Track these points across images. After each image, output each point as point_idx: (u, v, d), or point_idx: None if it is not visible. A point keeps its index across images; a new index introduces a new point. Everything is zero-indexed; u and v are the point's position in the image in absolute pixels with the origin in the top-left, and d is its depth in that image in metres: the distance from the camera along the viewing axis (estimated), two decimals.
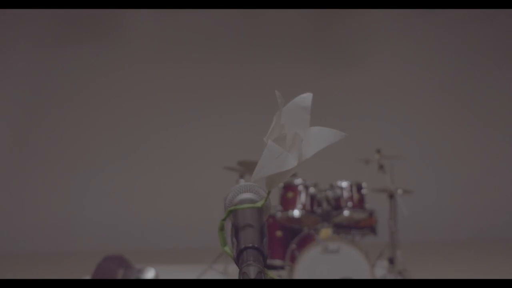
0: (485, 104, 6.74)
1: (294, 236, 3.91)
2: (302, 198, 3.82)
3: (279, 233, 4.12)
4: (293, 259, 3.68)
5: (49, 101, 6.45)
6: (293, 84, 6.38)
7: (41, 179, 6.34)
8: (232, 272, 4.51)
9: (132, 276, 3.85)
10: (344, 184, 3.83)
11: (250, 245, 0.90)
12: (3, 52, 6.48)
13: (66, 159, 6.47)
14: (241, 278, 0.87)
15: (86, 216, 6.34)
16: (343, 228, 4.03)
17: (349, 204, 3.78)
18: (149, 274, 3.87)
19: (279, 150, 0.91)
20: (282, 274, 4.39)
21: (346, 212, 3.77)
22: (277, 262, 4.09)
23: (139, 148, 6.40)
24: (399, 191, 3.77)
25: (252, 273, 0.86)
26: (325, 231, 3.59)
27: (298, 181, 3.87)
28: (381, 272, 4.16)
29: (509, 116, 6.77)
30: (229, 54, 6.59)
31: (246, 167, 3.87)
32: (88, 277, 4.08)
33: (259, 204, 0.95)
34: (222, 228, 0.95)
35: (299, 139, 0.93)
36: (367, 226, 4.10)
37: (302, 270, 3.46)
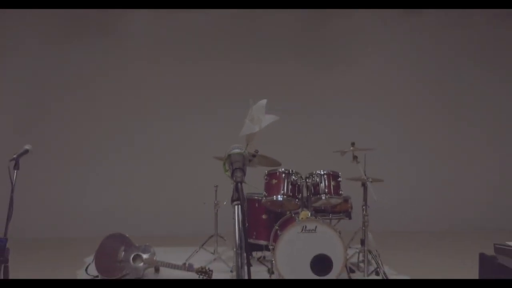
0: (461, 102, 7.29)
1: (278, 219, 4.39)
2: (285, 185, 4.30)
3: (264, 216, 4.60)
4: (276, 239, 4.13)
5: (53, 95, 6.84)
6: (283, 82, 6.92)
7: (47, 169, 6.73)
8: (221, 252, 4.97)
9: (132, 252, 4.31)
10: (322, 172, 4.31)
11: (238, 167, 1.88)
12: (11, 49, 6.88)
13: (69, 150, 6.87)
14: (234, 180, 1.72)
15: (88, 204, 6.75)
16: (321, 212, 4.52)
17: (326, 190, 4.26)
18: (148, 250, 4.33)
19: (250, 124, 1.73)
20: (267, 254, 4.88)
21: (323, 197, 4.25)
22: (262, 242, 4.58)
23: (139, 141, 6.85)
24: (370, 180, 4.25)
25: (239, 175, 1.81)
26: (304, 213, 4.06)
27: (281, 169, 4.34)
28: (353, 251, 4.68)
29: (483, 112, 7.34)
30: (224, 54, 7.02)
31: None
32: (91, 257, 4.53)
33: (242, 152, 1.96)
34: (224, 164, 1.98)
35: (259, 120, 1.81)
36: (343, 210, 4.60)
37: (284, 247, 3.93)
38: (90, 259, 4.64)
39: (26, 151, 2.68)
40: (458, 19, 7.29)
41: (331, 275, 3.90)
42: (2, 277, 2.35)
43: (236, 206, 1.71)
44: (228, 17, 7.05)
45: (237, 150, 1.93)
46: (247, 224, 4.63)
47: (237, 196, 1.72)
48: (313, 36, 7.19)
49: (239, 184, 1.74)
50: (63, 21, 6.92)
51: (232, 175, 1.83)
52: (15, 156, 2.58)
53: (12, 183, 2.40)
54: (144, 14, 6.99)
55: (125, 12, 6.93)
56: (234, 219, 1.72)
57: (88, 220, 6.62)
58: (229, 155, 1.90)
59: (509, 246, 2.39)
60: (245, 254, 1.67)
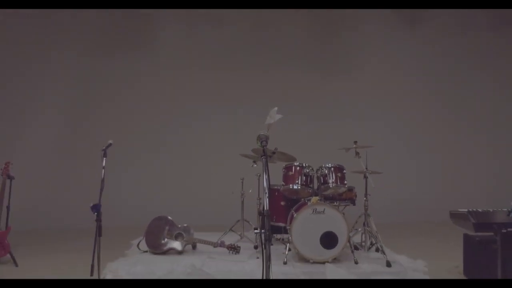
0: (459, 103, 8.26)
1: (294, 205, 5.30)
2: (299, 176, 5.22)
3: (282, 203, 5.53)
4: (292, 221, 5.04)
5: (95, 100, 7.97)
6: (293, 87, 7.98)
7: (85, 166, 7.80)
8: (247, 234, 5.90)
9: (175, 231, 5.27)
10: (329, 165, 5.22)
11: (264, 142, 2.92)
12: (57, 60, 7.98)
13: (99, 147, 7.94)
14: (261, 145, 2.73)
15: (123, 196, 7.76)
16: (330, 199, 5.40)
17: (333, 180, 5.16)
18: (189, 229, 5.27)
19: (269, 118, 2.67)
20: (285, 236, 5.77)
21: (331, 186, 5.15)
22: (281, 224, 5.50)
23: (170, 140, 7.92)
24: (369, 172, 5.14)
25: (264, 142, 2.83)
26: (315, 198, 4.97)
27: (296, 163, 5.26)
28: (357, 232, 5.55)
29: (480, 111, 8.26)
30: (242, 63, 8.11)
31: (257, 153, 5.21)
32: (138, 239, 5.51)
33: (265, 133, 3.03)
34: (257, 139, 3.01)
35: (273, 117, 2.75)
36: (348, 198, 5.49)
37: (298, 226, 4.83)
38: (136, 241, 5.64)
39: (110, 144, 3.64)
40: (455, 27, 8.22)
41: (337, 249, 4.79)
42: (98, 235, 3.28)
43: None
44: (248, 31, 8.07)
45: (262, 132, 3.03)
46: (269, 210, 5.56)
47: (263, 154, 2.81)
48: (322, 47, 8.20)
49: (264, 146, 2.94)
50: (105, 36, 8.05)
51: (261, 142, 2.99)
52: (103, 148, 3.55)
53: (103, 167, 3.34)
54: (170, 30, 8.11)
55: (154, 29, 8.05)
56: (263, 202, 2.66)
57: (132, 210, 7.60)
58: (259, 135, 3.01)
59: (459, 211, 3.20)
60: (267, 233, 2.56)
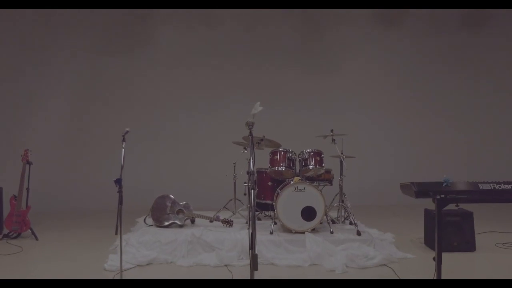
0: (425, 98, 9.14)
1: (279, 185, 6.13)
2: (284, 159, 6.04)
3: (270, 183, 6.35)
4: (277, 198, 5.86)
5: (98, 95, 8.76)
6: (281, 83, 8.80)
7: (92, 153, 8.64)
8: (239, 212, 6.74)
9: (176, 208, 6.09)
10: (309, 150, 6.05)
11: (251, 126, 3.53)
12: (62, 58, 8.75)
13: (112, 136, 8.70)
14: (248, 128, 3.41)
15: (130, 180, 8.54)
16: (310, 180, 6.23)
17: (313, 163, 5.99)
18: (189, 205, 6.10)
19: (253, 110, 3.37)
20: (272, 214, 6.60)
21: (310, 168, 5.98)
22: (268, 201, 6.33)
23: (172, 129, 8.83)
24: (343, 156, 5.99)
25: (250, 126, 3.48)
26: (297, 178, 5.81)
27: (281, 149, 6.09)
28: (333, 207, 6.40)
29: (439, 104, 9.17)
30: (234, 61, 8.93)
31: (247, 140, 6.02)
32: (143, 217, 6.33)
33: (252, 120, 3.54)
34: (246, 124, 3.60)
35: (256, 108, 3.45)
36: (326, 179, 6.32)
37: (282, 201, 5.66)
38: (140, 219, 6.47)
39: (127, 131, 4.41)
40: (429, 26, 9.08)
41: (315, 221, 5.63)
42: (120, 204, 4.07)
43: (251, 160, 3.44)
44: (241, 32, 8.86)
45: (249, 119, 3.63)
46: (257, 189, 6.40)
47: (250, 134, 3.53)
48: (306, 46, 9.05)
49: (251, 130, 3.63)
50: (106, 37, 8.83)
51: (248, 126, 3.60)
52: (123, 134, 4.33)
53: (123, 148, 4.14)
54: (167, 30, 8.92)
55: (153, 30, 8.84)
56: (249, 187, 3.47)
57: (138, 191, 8.38)
58: (247, 121, 3.60)
59: (406, 182, 4.00)
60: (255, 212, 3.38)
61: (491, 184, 3.83)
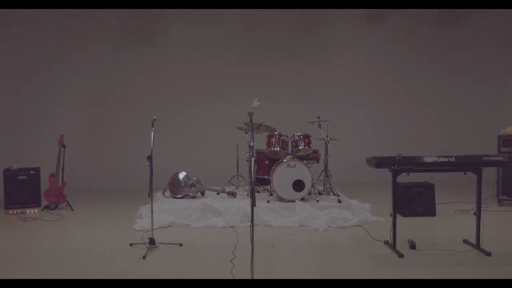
0: (406, 86, 10.35)
1: (274, 163, 7.33)
2: (278, 141, 7.25)
3: (267, 162, 7.56)
4: (273, 173, 7.08)
5: (115, 87, 9.95)
6: (276, 75, 10.01)
7: (115, 135, 9.86)
8: (242, 185, 7.98)
9: (189, 182, 7.32)
10: (299, 134, 7.25)
11: (251, 113, 4.41)
12: (83, 52, 9.92)
13: (127, 123, 9.94)
14: (249, 116, 4.37)
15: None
16: (300, 158, 7.44)
17: (302, 144, 7.19)
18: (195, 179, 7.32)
19: (252, 104, 4.40)
20: (269, 187, 7.81)
21: (300, 148, 7.18)
22: (266, 177, 7.54)
23: (185, 116, 10.08)
24: (328, 139, 7.20)
25: (251, 116, 4.41)
26: (289, 157, 7.02)
27: (276, 133, 7.29)
28: (319, 181, 7.60)
29: (420, 91, 10.40)
30: (236, 55, 10.09)
31: (248, 126, 7.18)
32: (160, 191, 7.57)
33: (252, 111, 4.51)
34: (248, 114, 4.49)
35: (255, 102, 4.47)
36: (314, 158, 7.53)
37: (277, 176, 6.87)
38: (158, 193, 7.70)
39: (155, 119, 5.54)
40: (411, 23, 10.23)
41: (304, 192, 6.84)
42: (151, 175, 5.27)
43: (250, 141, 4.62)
44: (241, 29, 10.03)
45: (250, 110, 4.44)
46: (256, 166, 7.61)
47: (250, 121, 4.45)
48: (300, 41, 10.23)
49: (251, 117, 4.39)
50: (121, 32, 9.99)
51: (249, 115, 4.34)
52: (152, 120, 5.43)
53: (152, 131, 5.29)
54: (176, 27, 10.09)
55: (166, 26, 9.99)
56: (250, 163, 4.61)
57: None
58: (248, 112, 4.29)
59: (369, 157, 5.17)
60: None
61: (433, 157, 5.06)
